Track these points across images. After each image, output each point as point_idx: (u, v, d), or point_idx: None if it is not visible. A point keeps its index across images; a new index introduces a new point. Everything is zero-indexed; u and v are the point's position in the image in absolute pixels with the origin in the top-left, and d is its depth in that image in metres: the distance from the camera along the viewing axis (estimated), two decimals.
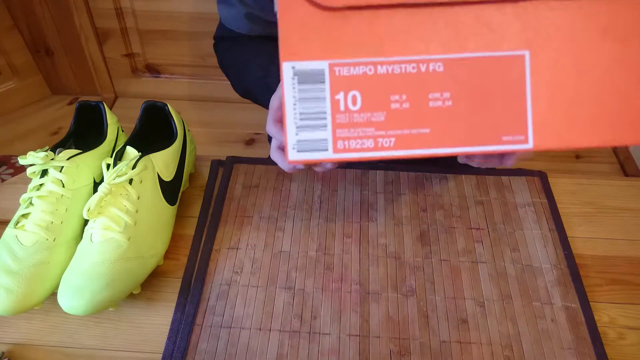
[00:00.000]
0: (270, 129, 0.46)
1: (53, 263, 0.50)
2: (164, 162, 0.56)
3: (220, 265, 0.55)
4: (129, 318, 0.51)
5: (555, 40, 0.33)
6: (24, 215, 0.51)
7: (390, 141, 0.33)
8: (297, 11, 0.34)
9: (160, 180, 0.55)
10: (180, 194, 0.60)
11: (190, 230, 0.59)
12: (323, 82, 0.32)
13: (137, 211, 0.51)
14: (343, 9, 0.32)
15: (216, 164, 0.66)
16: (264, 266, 0.55)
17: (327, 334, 0.50)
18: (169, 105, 0.60)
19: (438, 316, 0.51)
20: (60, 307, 0.47)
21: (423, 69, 0.32)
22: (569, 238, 0.58)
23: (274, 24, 0.79)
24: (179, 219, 0.60)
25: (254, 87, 0.66)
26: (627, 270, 0.57)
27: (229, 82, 0.73)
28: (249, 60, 0.67)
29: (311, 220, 0.60)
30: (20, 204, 0.52)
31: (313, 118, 0.32)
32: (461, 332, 0.50)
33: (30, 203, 0.51)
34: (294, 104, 0.32)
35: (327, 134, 0.32)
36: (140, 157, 0.53)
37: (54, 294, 0.50)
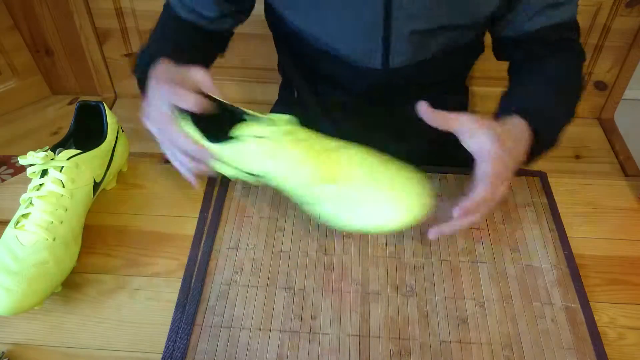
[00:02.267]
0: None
1: (53, 263, 0.50)
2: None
3: (220, 265, 0.55)
4: (129, 318, 0.51)
5: None
6: (24, 215, 0.51)
7: None
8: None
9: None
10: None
11: (190, 230, 0.59)
12: None
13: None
14: None
15: None
16: (264, 266, 0.55)
17: (327, 334, 0.50)
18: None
19: (438, 316, 0.51)
20: (60, 307, 0.47)
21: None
22: (569, 238, 0.58)
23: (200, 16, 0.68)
24: (179, 218, 0.60)
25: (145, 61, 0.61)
26: (627, 270, 0.57)
27: (228, 82, 0.72)
28: (156, 37, 0.65)
29: (311, 220, 0.60)
30: (20, 204, 0.52)
31: None
32: (461, 332, 0.50)
33: (30, 203, 0.51)
34: None
35: None
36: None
37: (54, 294, 0.50)
